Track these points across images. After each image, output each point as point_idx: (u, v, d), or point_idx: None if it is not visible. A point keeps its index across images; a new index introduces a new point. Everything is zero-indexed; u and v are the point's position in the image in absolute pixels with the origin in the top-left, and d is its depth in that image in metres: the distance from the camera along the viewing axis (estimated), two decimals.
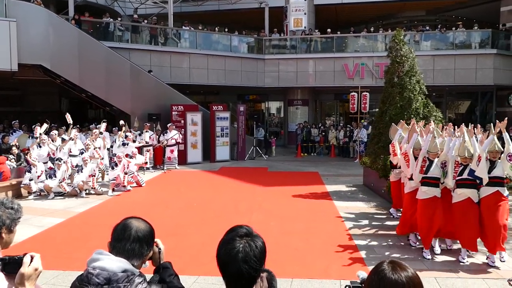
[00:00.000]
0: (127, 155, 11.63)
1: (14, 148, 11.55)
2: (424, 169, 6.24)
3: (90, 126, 14.67)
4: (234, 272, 1.56)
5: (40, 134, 11.01)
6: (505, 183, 5.85)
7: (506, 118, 5.90)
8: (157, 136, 15.10)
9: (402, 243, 6.79)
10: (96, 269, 1.75)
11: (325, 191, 11.08)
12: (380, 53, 18.99)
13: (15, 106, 20.04)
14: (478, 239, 6.01)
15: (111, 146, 13.18)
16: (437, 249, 6.23)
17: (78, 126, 13.31)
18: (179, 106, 16.30)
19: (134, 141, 13.01)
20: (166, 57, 18.54)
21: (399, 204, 8.15)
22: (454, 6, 23.96)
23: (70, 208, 9.20)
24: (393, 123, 8.85)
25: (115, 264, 1.76)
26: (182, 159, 15.70)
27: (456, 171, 6.02)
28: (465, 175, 5.87)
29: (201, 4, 24.23)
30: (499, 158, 5.76)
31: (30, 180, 10.20)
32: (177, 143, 15.18)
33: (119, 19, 22.14)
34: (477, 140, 6.06)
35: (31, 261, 1.68)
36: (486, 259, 5.91)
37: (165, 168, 14.59)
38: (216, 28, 22.12)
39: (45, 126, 11.21)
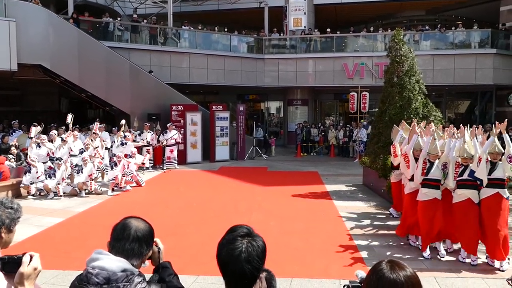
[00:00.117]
0: (126, 155, 11.63)
1: (13, 148, 11.54)
2: (425, 171, 6.25)
3: (90, 126, 14.65)
4: (237, 272, 1.56)
5: (31, 138, 10.98)
6: (506, 184, 5.83)
7: (506, 119, 5.88)
8: (157, 136, 15.10)
9: (402, 243, 6.80)
10: (95, 268, 1.75)
11: (325, 190, 11.08)
12: (380, 53, 19.00)
13: (15, 106, 20.03)
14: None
15: (111, 146, 13.18)
16: (443, 253, 6.18)
17: (77, 126, 13.29)
18: (179, 106, 16.30)
19: (134, 141, 13.02)
20: (165, 57, 18.54)
21: (399, 206, 8.15)
22: (454, 5, 23.96)
23: (69, 208, 9.20)
24: (394, 125, 8.85)
25: (114, 263, 1.76)
26: (182, 159, 15.70)
27: (457, 172, 6.02)
28: (465, 176, 5.87)
29: (201, 4, 24.22)
30: (500, 160, 5.75)
31: (31, 183, 10.20)
32: (177, 143, 15.19)
33: (119, 19, 22.14)
34: (477, 141, 6.05)
35: (30, 260, 1.68)
36: (486, 258, 5.91)
37: (164, 168, 14.59)
38: (216, 28, 22.12)
39: (38, 128, 11.17)
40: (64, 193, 10.44)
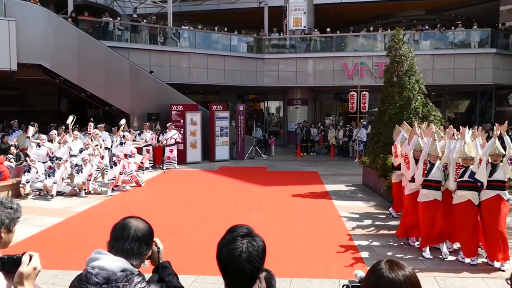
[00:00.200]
0: (126, 155, 11.62)
1: (13, 148, 11.54)
2: (425, 172, 6.25)
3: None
4: (237, 272, 1.56)
5: (28, 137, 11.01)
6: (506, 186, 5.79)
7: (506, 121, 5.86)
8: (157, 136, 15.10)
9: (402, 243, 6.80)
10: (95, 268, 1.75)
11: (325, 190, 11.08)
12: (380, 53, 18.99)
13: (15, 105, 20.04)
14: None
15: (111, 146, 13.17)
16: (446, 252, 6.15)
17: (77, 126, 13.29)
18: (179, 106, 16.30)
19: (133, 141, 13.02)
20: (165, 56, 18.54)
21: (399, 206, 8.15)
22: (454, 5, 23.96)
23: (69, 208, 9.20)
24: (396, 125, 8.85)
25: (114, 263, 1.76)
26: (182, 158, 15.70)
27: (458, 173, 6.01)
28: (466, 177, 5.86)
29: (201, 3, 24.22)
30: (501, 161, 5.73)
31: (27, 182, 10.18)
32: (177, 143, 15.18)
33: (119, 18, 22.12)
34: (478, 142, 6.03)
35: (29, 260, 1.68)
36: (486, 258, 5.91)
37: (164, 167, 14.58)
38: (216, 28, 22.10)
39: (32, 129, 11.20)
40: (64, 193, 10.46)
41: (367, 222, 8.04)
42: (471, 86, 20.88)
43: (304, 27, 22.09)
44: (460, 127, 6.50)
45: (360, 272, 1.87)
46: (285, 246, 6.50)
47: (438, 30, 20.67)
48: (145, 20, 19.61)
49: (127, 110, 15.89)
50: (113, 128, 14.50)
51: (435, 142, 6.26)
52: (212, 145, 16.71)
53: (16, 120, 14.41)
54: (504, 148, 5.69)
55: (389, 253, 6.37)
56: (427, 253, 6.13)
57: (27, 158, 10.48)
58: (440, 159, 6.25)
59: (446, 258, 6.08)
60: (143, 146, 14.14)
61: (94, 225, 7.65)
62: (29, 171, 10.25)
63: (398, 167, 7.82)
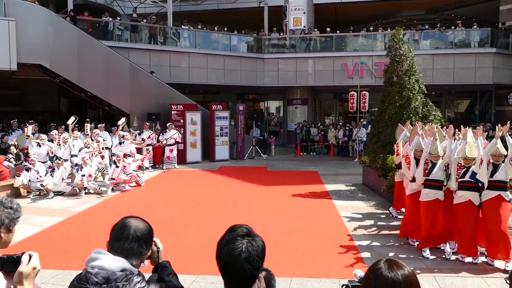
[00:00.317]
0: (125, 155, 11.62)
1: (12, 147, 11.54)
2: (427, 171, 6.24)
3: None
4: (237, 272, 1.56)
5: (28, 137, 11.03)
6: (508, 187, 5.76)
7: (509, 122, 5.83)
8: (157, 136, 15.10)
9: (402, 243, 6.80)
10: (94, 268, 1.75)
11: (324, 190, 11.08)
12: (379, 52, 19.00)
13: (15, 105, 20.04)
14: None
15: (111, 146, 13.17)
16: (449, 252, 6.14)
17: (77, 125, 13.29)
18: (179, 106, 16.29)
19: (134, 140, 13.01)
20: (165, 56, 18.54)
21: (399, 206, 8.15)
22: (454, 5, 23.95)
23: (69, 208, 9.20)
24: (399, 124, 8.86)
25: (113, 263, 1.76)
26: (182, 158, 15.70)
27: (459, 173, 6.01)
28: (467, 178, 5.85)
29: (200, 3, 24.22)
30: (503, 162, 5.71)
31: (18, 175, 10.18)
32: (177, 143, 15.18)
33: (118, 18, 22.11)
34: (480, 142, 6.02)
35: (29, 260, 1.69)
36: (485, 258, 5.91)
37: (164, 167, 14.58)
38: (216, 28, 22.11)
39: (30, 127, 11.22)
40: (64, 193, 10.45)
41: (367, 221, 8.04)
42: (471, 86, 20.88)
43: (304, 26, 22.08)
44: (461, 126, 6.49)
45: (360, 272, 1.88)
46: (285, 246, 6.50)
47: (438, 29, 20.67)
48: (145, 20, 19.61)
49: (127, 110, 15.89)
50: (113, 128, 14.51)
51: (436, 142, 6.26)
52: (212, 145, 16.71)
53: (16, 120, 14.41)
54: (506, 148, 5.68)
55: (389, 253, 6.37)
56: (427, 253, 6.12)
57: (27, 157, 10.48)
58: (442, 159, 6.25)
59: (450, 258, 6.06)
60: (144, 146, 14.14)
61: (94, 225, 7.66)
62: (28, 170, 10.24)
63: (401, 166, 7.83)
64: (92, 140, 11.79)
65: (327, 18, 23.98)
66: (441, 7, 24.62)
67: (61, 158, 10.71)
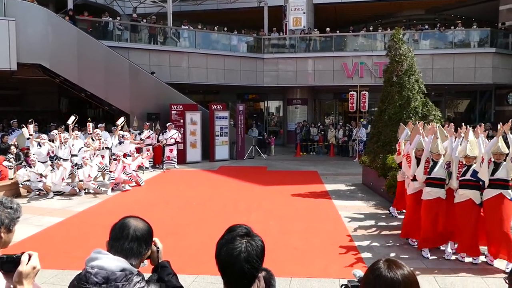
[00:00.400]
0: (125, 155, 11.62)
1: (12, 147, 11.54)
2: (428, 170, 6.24)
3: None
4: (236, 272, 1.56)
5: (31, 136, 11.06)
6: (510, 185, 5.74)
7: (510, 120, 5.84)
8: (157, 136, 15.10)
9: (402, 243, 6.80)
10: (94, 268, 1.75)
11: (324, 190, 11.08)
12: (379, 52, 19.00)
13: (15, 105, 20.04)
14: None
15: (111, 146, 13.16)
16: (449, 251, 6.14)
17: (77, 125, 13.29)
18: (179, 106, 16.29)
19: (133, 140, 13.01)
20: (165, 56, 18.53)
21: (400, 205, 8.14)
22: (453, 5, 23.95)
23: (69, 208, 9.20)
24: (401, 123, 8.86)
25: (113, 263, 1.76)
26: (181, 158, 15.70)
27: (460, 171, 6.01)
28: (468, 176, 5.84)
29: (200, 3, 24.21)
30: (504, 160, 5.71)
31: (29, 180, 10.19)
32: (176, 143, 15.18)
33: (118, 18, 22.10)
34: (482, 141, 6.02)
35: (29, 259, 1.69)
36: (485, 257, 5.91)
37: (164, 167, 14.58)
38: (215, 27, 22.10)
39: (30, 127, 11.25)
40: (64, 193, 10.45)
41: (367, 221, 8.04)
42: (470, 86, 20.88)
43: (304, 26, 22.08)
44: (462, 124, 6.49)
45: (359, 272, 1.88)
46: (285, 245, 6.50)
47: (438, 29, 20.66)
48: (144, 20, 19.60)
49: (127, 110, 15.89)
50: (112, 128, 14.51)
51: (436, 140, 6.26)
52: (212, 144, 16.71)
53: (16, 120, 14.42)
54: (508, 147, 5.67)
55: (389, 253, 6.37)
56: (426, 252, 6.12)
57: (27, 157, 10.48)
58: (443, 157, 6.25)
59: (450, 258, 6.06)
60: (144, 146, 14.14)
61: (94, 225, 7.66)
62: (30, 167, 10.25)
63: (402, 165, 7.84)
64: (93, 140, 11.78)
65: (327, 18, 23.97)
66: (441, 7, 24.62)
67: (61, 158, 10.70)
